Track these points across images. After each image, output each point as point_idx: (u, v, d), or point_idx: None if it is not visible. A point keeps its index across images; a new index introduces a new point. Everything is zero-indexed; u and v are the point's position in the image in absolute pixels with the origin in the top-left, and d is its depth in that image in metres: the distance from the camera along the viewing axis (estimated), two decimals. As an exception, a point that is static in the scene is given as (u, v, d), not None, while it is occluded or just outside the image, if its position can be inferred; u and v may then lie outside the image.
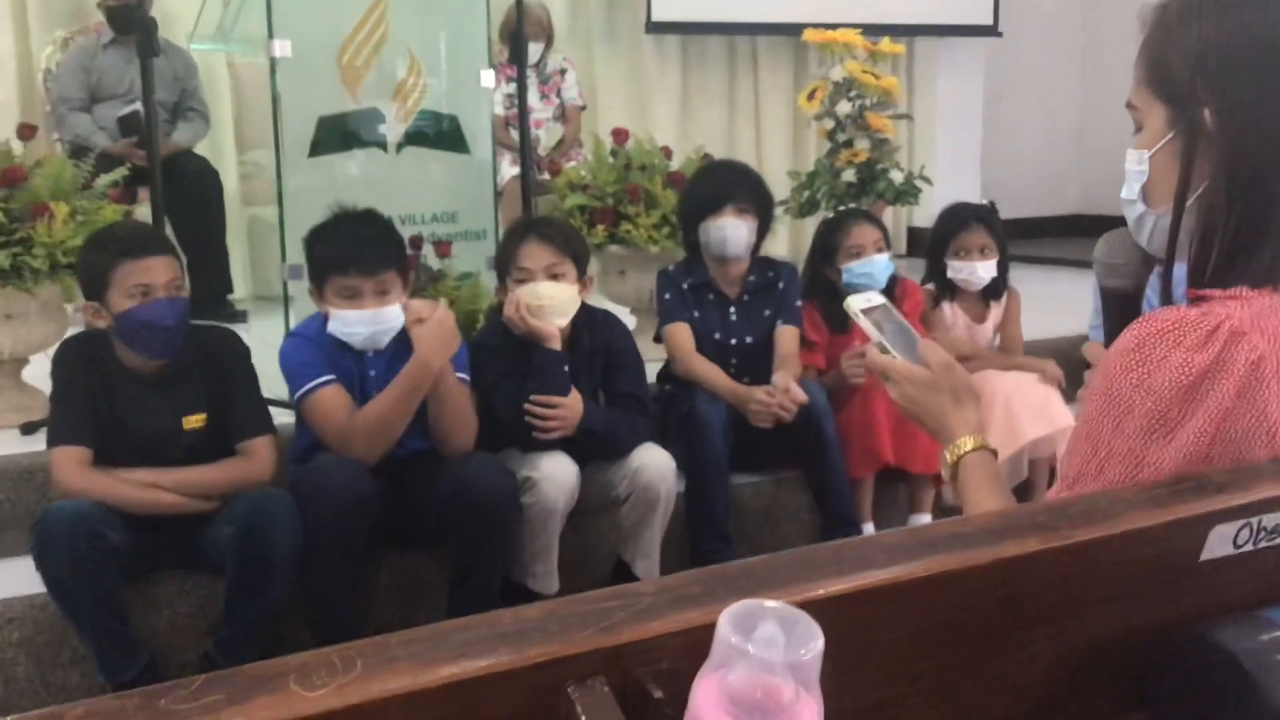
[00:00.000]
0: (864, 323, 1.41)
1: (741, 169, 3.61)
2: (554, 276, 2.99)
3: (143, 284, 2.59)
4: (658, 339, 3.55)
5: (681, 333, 3.42)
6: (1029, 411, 3.53)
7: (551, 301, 2.97)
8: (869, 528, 3.47)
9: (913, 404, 1.39)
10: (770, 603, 0.69)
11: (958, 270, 3.70)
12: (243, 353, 2.81)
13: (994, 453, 1.35)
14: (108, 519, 2.52)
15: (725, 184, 3.45)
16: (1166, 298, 1.21)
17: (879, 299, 1.44)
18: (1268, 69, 1.12)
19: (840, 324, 3.60)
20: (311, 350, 2.84)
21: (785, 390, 3.25)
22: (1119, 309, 1.39)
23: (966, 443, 1.34)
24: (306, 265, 2.93)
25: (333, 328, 2.83)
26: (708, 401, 3.25)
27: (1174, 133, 1.18)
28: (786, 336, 3.46)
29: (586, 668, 0.72)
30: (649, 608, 0.76)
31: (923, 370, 1.37)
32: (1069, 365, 3.95)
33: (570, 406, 2.95)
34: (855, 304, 1.42)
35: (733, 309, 3.48)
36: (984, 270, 3.69)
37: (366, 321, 2.81)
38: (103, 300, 2.60)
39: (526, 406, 2.93)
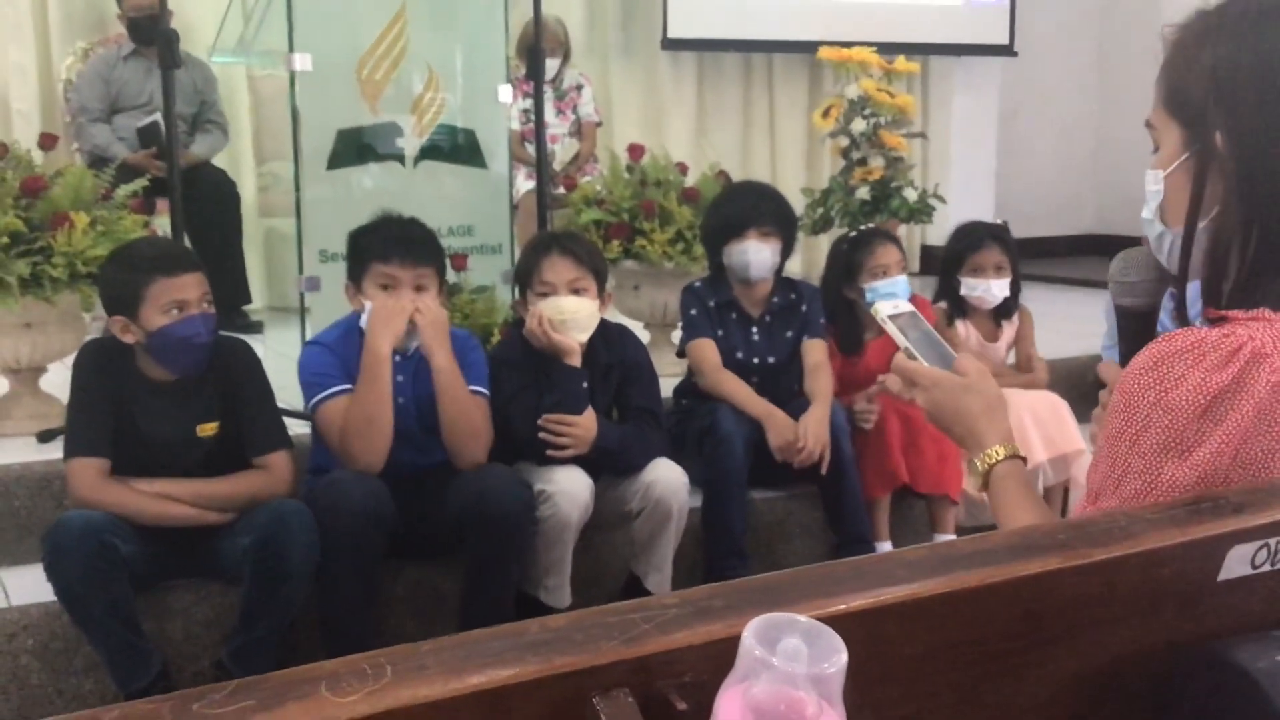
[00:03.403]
0: (891, 329, 1.40)
1: (765, 190, 3.60)
2: (576, 291, 3.01)
3: (178, 300, 2.60)
4: (681, 354, 3.56)
5: (707, 348, 3.42)
6: (1042, 432, 3.53)
7: (574, 316, 2.98)
8: (886, 546, 3.47)
9: (940, 410, 1.36)
10: (797, 616, 0.70)
11: (971, 288, 3.69)
12: (254, 363, 2.82)
13: (1024, 460, 1.34)
14: (119, 529, 2.53)
15: (749, 207, 3.44)
16: (1181, 317, 1.22)
17: (906, 306, 1.43)
18: (1277, 93, 1.13)
19: (854, 346, 3.61)
20: (330, 359, 2.85)
21: (809, 437, 3.25)
22: (1133, 327, 1.39)
23: (998, 451, 1.32)
24: (347, 261, 2.96)
25: (365, 320, 2.83)
26: (730, 417, 3.25)
27: (1188, 154, 1.19)
28: (814, 349, 3.46)
29: (611, 679, 0.72)
30: (673, 620, 0.77)
31: (951, 375, 1.36)
32: (1082, 384, 3.95)
33: (584, 425, 2.96)
34: (883, 310, 1.41)
35: (755, 329, 3.49)
36: (998, 289, 3.68)
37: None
38: (133, 316, 2.61)
39: (541, 423, 2.94)
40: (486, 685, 0.69)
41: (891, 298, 3.41)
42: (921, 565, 0.88)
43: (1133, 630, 0.95)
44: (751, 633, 0.69)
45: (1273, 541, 0.98)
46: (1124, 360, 1.34)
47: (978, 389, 1.35)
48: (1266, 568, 0.99)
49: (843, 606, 0.81)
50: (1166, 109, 1.22)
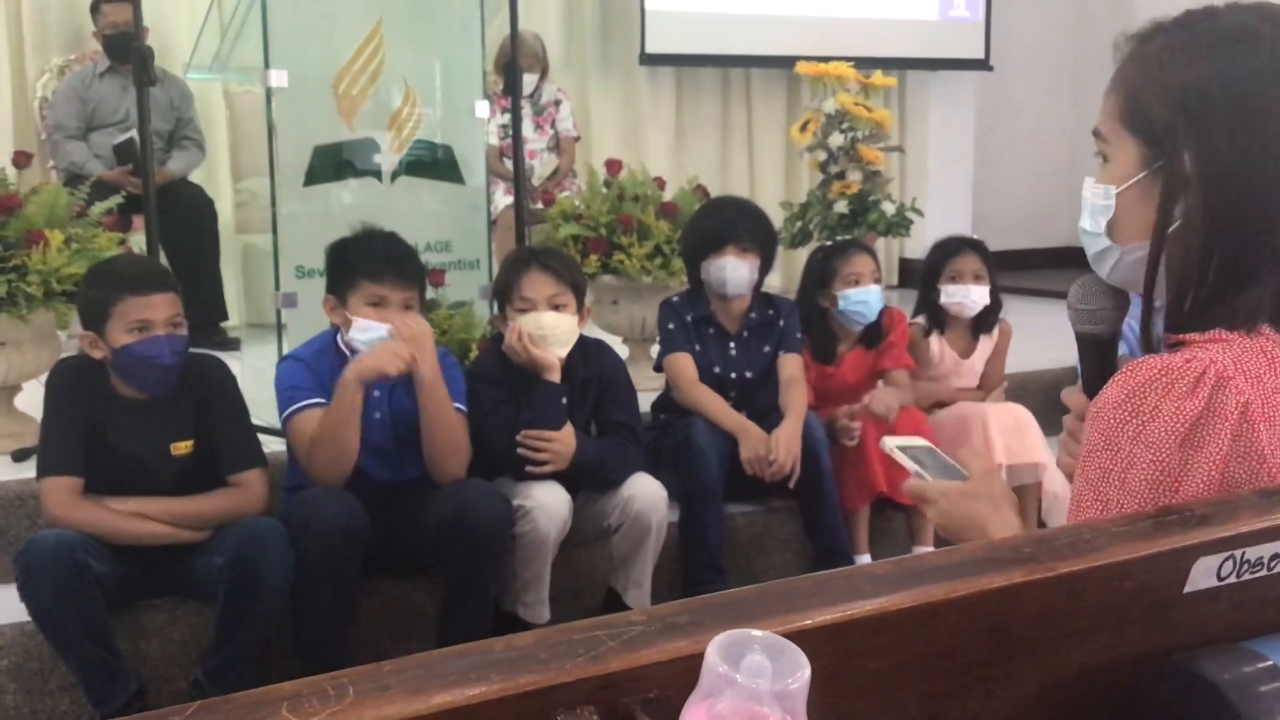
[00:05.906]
0: (901, 458, 1.44)
1: (745, 206, 3.60)
2: (556, 307, 3.01)
3: (143, 319, 2.59)
4: (658, 368, 3.56)
5: (684, 362, 3.42)
6: (1003, 437, 3.55)
7: (554, 332, 2.98)
8: (865, 558, 3.48)
9: (951, 519, 1.37)
10: (758, 632, 0.70)
11: (951, 295, 3.70)
12: (229, 381, 2.81)
13: None
14: (92, 548, 2.52)
15: (727, 223, 3.44)
16: (1146, 339, 1.21)
17: (919, 441, 1.49)
18: (1249, 116, 1.11)
19: (828, 355, 3.63)
20: (305, 374, 2.84)
21: (780, 450, 3.26)
22: (1094, 355, 1.36)
23: None
24: (329, 274, 2.92)
25: (353, 335, 2.82)
26: (705, 431, 3.25)
27: (1148, 172, 1.17)
28: (790, 363, 3.47)
29: (576, 696, 0.72)
30: (638, 637, 0.77)
31: (957, 484, 1.38)
32: (1056, 396, 3.96)
33: (563, 441, 2.96)
34: (890, 443, 1.46)
35: (733, 344, 3.49)
36: (977, 295, 3.69)
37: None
38: (101, 332, 2.60)
39: (520, 439, 2.94)
40: (450, 704, 0.69)
41: (863, 308, 3.47)
42: (887, 579, 0.88)
43: (1099, 643, 0.95)
44: (715, 649, 0.69)
45: (1238, 553, 0.98)
46: (1086, 387, 1.32)
47: (983, 492, 1.37)
48: (1232, 579, 0.99)
49: (808, 622, 0.81)
50: (1122, 123, 1.19)
